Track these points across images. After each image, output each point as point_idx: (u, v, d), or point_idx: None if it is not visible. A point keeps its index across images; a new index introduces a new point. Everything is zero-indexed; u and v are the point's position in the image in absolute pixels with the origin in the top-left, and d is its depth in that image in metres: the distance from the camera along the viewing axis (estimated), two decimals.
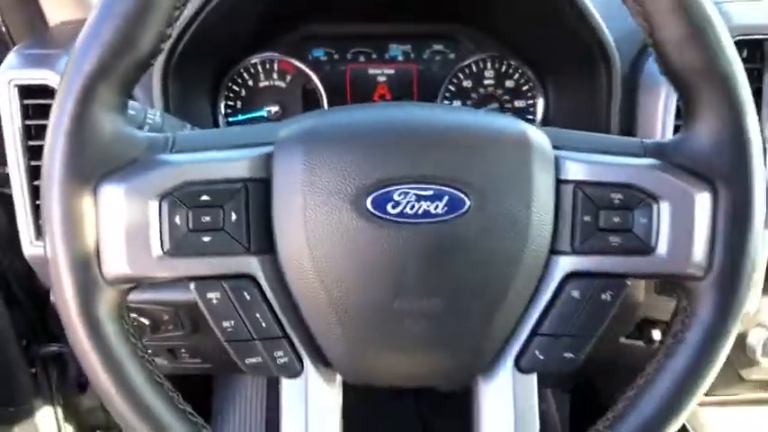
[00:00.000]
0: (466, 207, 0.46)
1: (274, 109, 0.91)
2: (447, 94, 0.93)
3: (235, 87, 0.91)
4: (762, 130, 0.72)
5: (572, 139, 0.51)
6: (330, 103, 0.92)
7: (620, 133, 0.77)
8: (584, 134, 0.52)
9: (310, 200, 0.46)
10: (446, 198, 0.46)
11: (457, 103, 0.93)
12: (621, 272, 0.49)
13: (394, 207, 0.46)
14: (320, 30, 0.92)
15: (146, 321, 0.83)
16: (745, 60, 0.73)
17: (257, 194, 0.47)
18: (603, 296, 0.50)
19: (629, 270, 0.49)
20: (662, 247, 0.48)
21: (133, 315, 0.82)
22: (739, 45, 0.71)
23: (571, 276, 0.49)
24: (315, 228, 0.46)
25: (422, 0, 0.89)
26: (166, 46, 0.73)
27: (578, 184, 0.49)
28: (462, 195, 0.46)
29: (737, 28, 0.71)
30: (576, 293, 0.49)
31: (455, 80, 0.93)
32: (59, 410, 1.20)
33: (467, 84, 0.93)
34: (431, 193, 0.46)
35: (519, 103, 0.93)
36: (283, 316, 0.48)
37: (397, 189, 0.46)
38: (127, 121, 0.48)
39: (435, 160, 0.46)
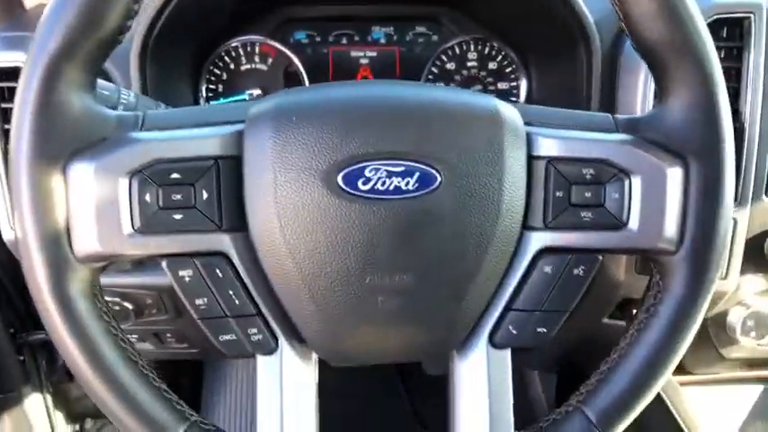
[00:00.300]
0: (437, 183, 0.46)
1: (256, 92, 0.90)
2: (430, 77, 0.92)
3: (216, 70, 0.90)
4: (741, 108, 0.73)
5: (544, 116, 0.51)
6: None
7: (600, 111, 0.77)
8: (556, 110, 0.52)
9: (281, 176, 0.46)
10: (417, 174, 0.46)
11: (440, 85, 0.93)
12: (594, 247, 0.50)
13: (365, 183, 0.46)
14: (302, 12, 0.92)
15: (129, 306, 0.83)
16: (724, 39, 0.73)
17: (228, 172, 0.47)
18: (576, 271, 0.50)
19: (602, 245, 0.49)
20: (633, 222, 0.49)
21: (116, 299, 0.82)
22: (719, 23, 0.72)
23: (544, 252, 0.50)
24: (286, 205, 0.46)
25: None
26: (142, 28, 0.73)
27: (550, 159, 0.49)
28: (433, 171, 0.46)
29: (717, 6, 0.71)
30: (548, 269, 0.50)
31: (438, 62, 0.92)
32: (48, 398, 1.20)
33: (450, 66, 0.92)
34: (402, 169, 0.46)
35: (502, 85, 0.93)
36: (256, 293, 0.48)
37: (369, 165, 0.46)
38: (97, 100, 0.47)
39: (406, 137, 0.46)
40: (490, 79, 0.93)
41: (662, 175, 0.48)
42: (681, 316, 0.50)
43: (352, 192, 0.45)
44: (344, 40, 0.93)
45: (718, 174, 0.48)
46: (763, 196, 0.75)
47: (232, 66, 0.91)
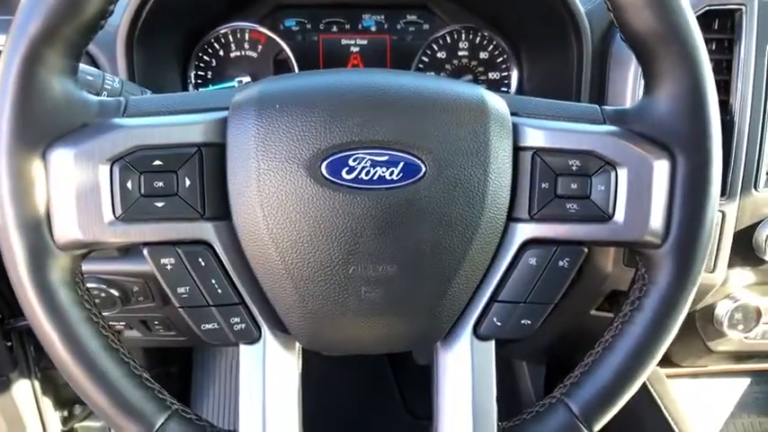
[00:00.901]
0: (421, 173, 0.46)
1: (246, 79, 0.90)
2: (420, 65, 0.92)
3: (205, 57, 0.90)
4: (732, 100, 0.73)
5: (531, 106, 0.51)
6: None
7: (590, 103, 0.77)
8: (543, 101, 0.52)
9: (264, 165, 0.45)
10: (402, 164, 0.46)
11: (431, 73, 0.92)
12: (579, 239, 0.49)
13: (349, 172, 0.45)
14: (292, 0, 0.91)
15: (116, 293, 0.83)
16: (716, 31, 0.73)
17: (212, 159, 0.46)
18: (561, 263, 0.50)
19: (587, 237, 0.49)
20: (619, 215, 0.48)
21: (103, 286, 0.82)
22: (710, 15, 0.72)
23: (529, 243, 0.49)
24: (269, 193, 0.45)
25: None
26: (129, 13, 0.73)
27: (536, 150, 0.49)
28: (418, 161, 0.46)
29: None
30: (533, 260, 0.49)
31: (429, 51, 0.92)
32: (37, 384, 1.20)
33: (441, 55, 0.92)
34: (386, 158, 0.45)
35: (493, 75, 0.93)
36: (239, 282, 0.48)
37: (353, 154, 0.45)
38: (80, 86, 0.47)
39: (391, 126, 0.46)
40: (481, 69, 0.92)
41: (648, 168, 0.48)
42: (666, 309, 0.50)
43: (335, 181, 0.45)
44: (335, 28, 0.92)
45: (704, 167, 0.48)
46: (753, 189, 0.75)
47: (221, 52, 0.90)
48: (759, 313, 0.81)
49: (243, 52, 0.90)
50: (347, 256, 0.46)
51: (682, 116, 0.48)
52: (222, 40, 0.89)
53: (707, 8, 0.71)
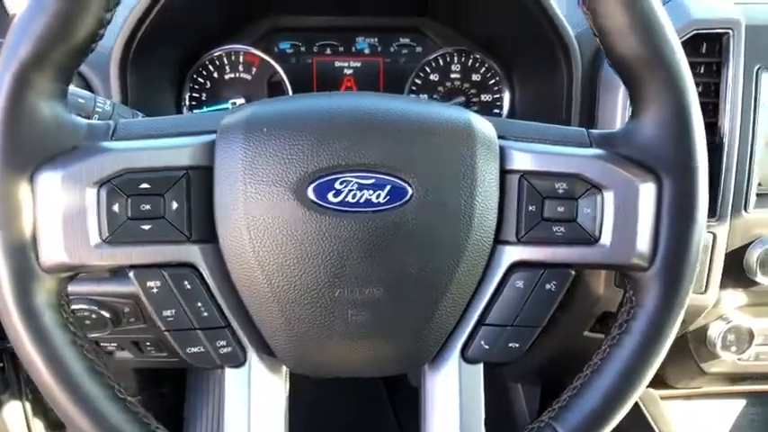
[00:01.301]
0: (408, 196, 0.46)
1: (240, 101, 0.90)
2: (413, 88, 0.92)
3: (200, 79, 0.90)
4: (720, 123, 0.74)
5: (518, 129, 0.51)
6: None
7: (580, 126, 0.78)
8: (530, 124, 0.52)
9: (251, 188, 0.45)
10: (388, 187, 0.46)
11: (423, 96, 0.93)
12: (566, 262, 0.49)
13: (335, 196, 0.45)
14: (287, 22, 0.92)
15: (106, 314, 0.82)
16: (704, 54, 0.74)
17: (199, 183, 0.46)
18: (548, 286, 0.50)
19: (574, 260, 0.49)
20: (606, 238, 0.49)
21: (94, 307, 0.81)
22: (698, 39, 0.72)
23: (516, 266, 0.50)
24: (256, 217, 0.45)
25: None
26: (122, 37, 0.73)
27: (523, 173, 0.49)
28: (404, 184, 0.46)
29: (696, 22, 0.72)
30: (520, 283, 0.50)
31: (421, 73, 0.92)
32: (28, 406, 1.19)
33: (433, 77, 0.93)
34: (372, 181, 0.46)
35: (485, 97, 0.93)
36: (225, 305, 0.48)
37: (339, 178, 0.45)
38: (71, 109, 0.47)
39: (377, 149, 0.46)
40: (473, 91, 0.93)
41: (635, 191, 0.48)
42: (653, 332, 0.50)
43: (322, 204, 0.45)
44: (329, 51, 0.93)
45: (690, 190, 0.48)
46: (743, 210, 0.75)
47: (216, 74, 0.90)
48: (752, 335, 0.81)
49: (237, 74, 0.91)
50: (333, 279, 0.46)
51: (667, 140, 0.48)
52: (217, 63, 0.90)
53: (695, 32, 0.71)
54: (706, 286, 0.77)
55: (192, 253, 0.47)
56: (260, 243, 0.46)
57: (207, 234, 0.47)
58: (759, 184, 0.76)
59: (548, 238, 0.49)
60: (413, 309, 0.48)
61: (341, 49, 0.93)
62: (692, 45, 0.73)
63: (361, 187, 0.46)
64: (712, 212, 0.74)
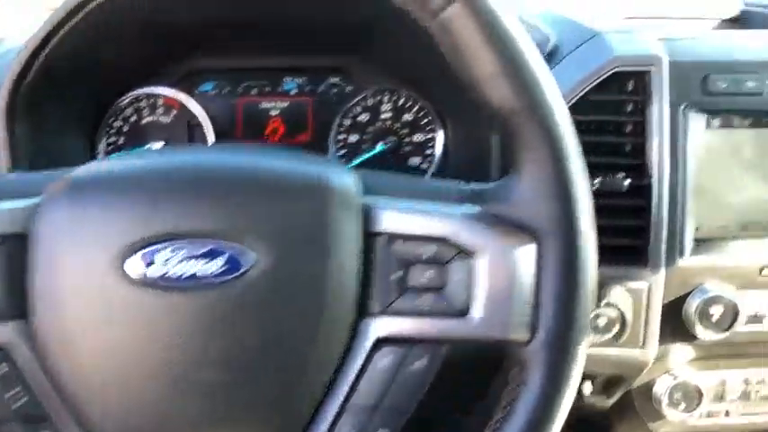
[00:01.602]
0: (249, 265, 0.41)
1: (158, 145, 0.86)
2: (341, 128, 0.88)
3: (116, 123, 0.86)
4: (648, 163, 0.68)
5: (388, 185, 0.47)
6: (218, 139, 0.87)
7: (499, 168, 0.73)
8: (404, 177, 0.48)
9: (70, 261, 0.41)
10: (225, 255, 0.41)
11: (353, 137, 0.88)
12: (434, 336, 0.44)
13: (158, 269, 0.40)
14: (209, 62, 0.88)
15: None
16: (630, 93, 0.69)
17: (13, 252, 0.41)
18: (418, 363, 0.44)
19: (443, 334, 0.44)
20: (477, 309, 0.43)
21: None
22: (622, 77, 0.68)
23: (381, 342, 0.44)
24: (75, 294, 0.40)
25: (316, 33, 0.84)
26: (6, 87, 0.69)
27: (388, 236, 0.44)
28: (245, 252, 0.41)
29: (618, 59, 0.67)
30: (386, 361, 0.44)
31: (351, 114, 0.88)
32: None
33: (362, 118, 0.88)
34: (206, 250, 0.41)
35: (418, 137, 0.89)
36: (43, 393, 0.42)
37: (163, 248, 0.40)
38: None
39: (216, 213, 0.41)
40: (405, 131, 0.88)
41: (509, 255, 0.43)
42: (541, 413, 0.44)
43: (141, 280, 0.40)
44: (254, 91, 0.89)
45: (574, 250, 0.43)
46: (678, 257, 0.69)
47: (133, 118, 0.86)
48: (700, 393, 0.74)
49: (156, 118, 0.87)
50: (167, 363, 0.41)
51: (545, 198, 0.43)
52: (134, 106, 0.86)
53: (615, 70, 0.66)
54: (644, 340, 0.71)
55: (5, 332, 0.41)
56: (81, 324, 0.41)
57: (21, 310, 0.41)
58: (696, 229, 0.70)
59: (414, 310, 0.44)
60: (264, 392, 0.43)
61: (267, 89, 0.89)
62: (618, 83, 0.69)
63: (189, 258, 0.40)
64: (644, 260, 0.69)
